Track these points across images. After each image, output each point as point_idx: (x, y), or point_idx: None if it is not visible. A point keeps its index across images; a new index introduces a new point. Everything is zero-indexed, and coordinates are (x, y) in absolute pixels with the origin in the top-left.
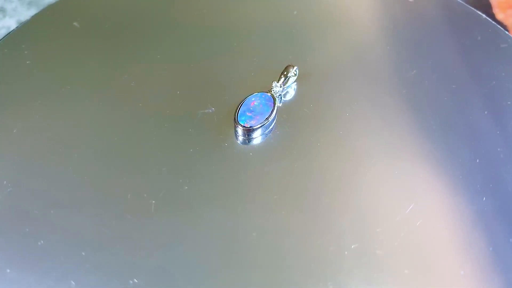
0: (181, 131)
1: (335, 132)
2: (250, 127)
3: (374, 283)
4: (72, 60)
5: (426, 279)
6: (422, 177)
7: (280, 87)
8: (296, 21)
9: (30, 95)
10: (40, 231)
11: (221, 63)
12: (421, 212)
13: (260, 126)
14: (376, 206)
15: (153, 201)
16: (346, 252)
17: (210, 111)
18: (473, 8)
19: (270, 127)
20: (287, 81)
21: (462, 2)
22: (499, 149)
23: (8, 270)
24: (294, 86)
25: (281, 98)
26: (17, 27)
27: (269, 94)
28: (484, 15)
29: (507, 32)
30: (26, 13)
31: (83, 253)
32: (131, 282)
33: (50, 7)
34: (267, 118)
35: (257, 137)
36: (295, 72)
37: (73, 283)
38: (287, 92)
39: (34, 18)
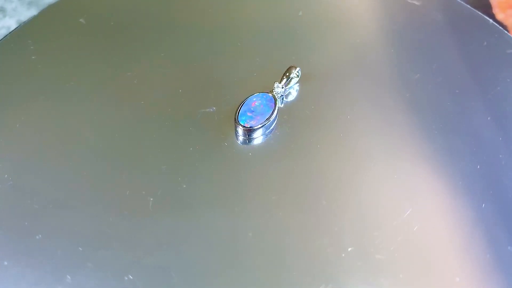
0: (181, 130)
1: (335, 134)
2: (250, 127)
3: (372, 285)
4: (76, 56)
5: (422, 284)
6: (422, 181)
7: (282, 88)
8: (301, 22)
9: (34, 89)
10: (39, 225)
11: (224, 63)
12: (419, 217)
13: (260, 127)
14: (375, 209)
15: (151, 199)
16: (343, 254)
17: (211, 110)
18: (480, 13)
19: (271, 128)
20: (289, 82)
21: (470, 7)
22: (500, 156)
23: (5, 263)
24: (296, 87)
25: (282, 99)
26: (24, 22)
27: (270, 94)
28: (491, 20)
29: None
30: (26, 13)
31: (80, 249)
32: (126, 278)
33: (56, 4)
34: (267, 119)
35: (257, 138)
36: (298, 73)
37: (68, 277)
38: (289, 93)
39: (41, 13)
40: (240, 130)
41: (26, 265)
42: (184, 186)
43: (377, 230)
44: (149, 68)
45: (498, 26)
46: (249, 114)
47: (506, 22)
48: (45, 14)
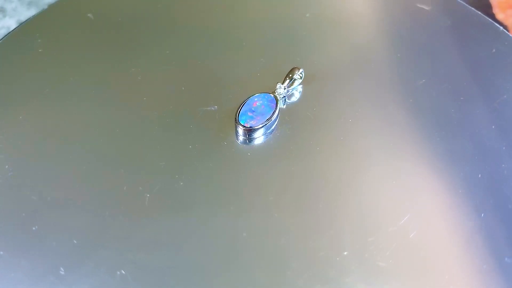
0: (182, 127)
1: (335, 137)
2: (250, 127)
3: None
4: (82, 51)
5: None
6: (422, 187)
7: (284, 89)
8: (307, 23)
9: (39, 82)
10: (36, 217)
11: (228, 62)
12: (418, 222)
13: (261, 127)
14: (374, 212)
15: (148, 195)
16: (341, 256)
17: (213, 109)
18: (490, 20)
19: (271, 129)
20: (292, 83)
21: (480, 13)
22: (503, 165)
23: (1, 252)
24: (299, 88)
25: (285, 100)
26: (33, 15)
27: (272, 95)
28: (501, 27)
29: None
30: (26, 13)
31: (75, 241)
32: (118, 273)
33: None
34: (268, 119)
35: (257, 138)
36: (301, 75)
37: (62, 269)
38: (291, 94)
39: (50, 8)
40: (240, 130)
41: (21, 256)
42: (181, 183)
43: (375, 234)
44: (154, 65)
45: (508, 34)
46: (249, 114)
47: (506, 22)
48: (52, 9)
